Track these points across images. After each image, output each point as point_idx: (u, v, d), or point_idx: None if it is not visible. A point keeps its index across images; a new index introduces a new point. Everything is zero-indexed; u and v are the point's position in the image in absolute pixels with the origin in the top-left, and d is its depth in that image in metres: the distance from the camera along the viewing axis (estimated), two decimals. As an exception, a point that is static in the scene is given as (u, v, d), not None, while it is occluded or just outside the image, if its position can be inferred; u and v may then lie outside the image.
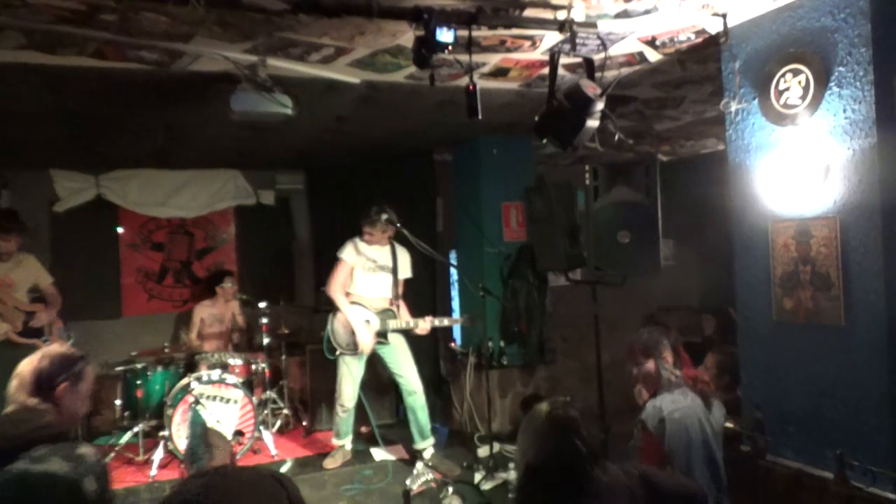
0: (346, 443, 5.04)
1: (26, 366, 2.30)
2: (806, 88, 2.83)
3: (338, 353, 4.80)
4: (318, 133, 5.18)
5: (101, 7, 2.62)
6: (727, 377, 3.59)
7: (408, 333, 4.92)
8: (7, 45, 2.96)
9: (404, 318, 4.88)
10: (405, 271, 4.97)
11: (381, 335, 4.80)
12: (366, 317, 4.79)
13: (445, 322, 4.98)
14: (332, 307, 4.86)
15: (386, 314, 4.85)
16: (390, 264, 4.91)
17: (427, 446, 4.86)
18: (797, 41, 2.89)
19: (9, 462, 1.87)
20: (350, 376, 4.86)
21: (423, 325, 4.84)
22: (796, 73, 2.87)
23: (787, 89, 2.91)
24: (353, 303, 4.78)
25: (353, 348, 4.75)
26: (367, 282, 4.86)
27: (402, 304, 4.96)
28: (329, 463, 4.90)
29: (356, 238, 4.87)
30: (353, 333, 4.73)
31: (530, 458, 2.00)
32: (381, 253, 4.89)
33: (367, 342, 4.72)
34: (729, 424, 3.12)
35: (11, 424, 2.22)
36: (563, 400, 2.17)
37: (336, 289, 4.78)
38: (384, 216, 4.71)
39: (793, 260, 2.92)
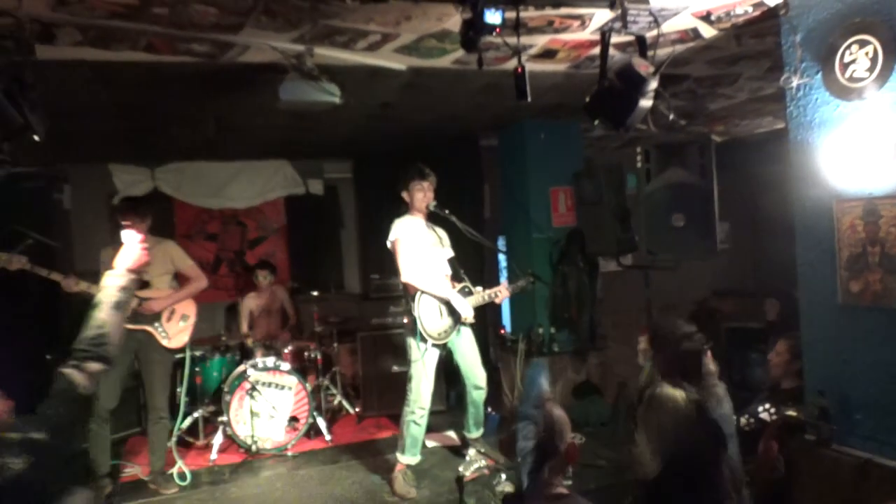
0: (413, 461, 4.42)
1: None
2: (874, 60, 2.68)
3: (429, 344, 4.27)
4: (365, 120, 5.19)
5: (152, 1, 2.66)
6: (799, 363, 3.45)
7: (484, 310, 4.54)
8: (64, 42, 3.04)
9: (478, 292, 4.52)
10: (448, 248, 4.60)
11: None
12: (450, 294, 4.36)
13: (520, 284, 4.65)
14: (404, 296, 4.52)
15: (463, 291, 4.46)
16: (436, 240, 4.54)
17: (479, 436, 4.81)
18: (863, 9, 2.74)
19: None
20: (426, 376, 4.32)
21: (503, 293, 4.55)
22: (863, 44, 2.72)
23: (854, 62, 2.76)
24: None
25: (449, 331, 4.36)
26: (430, 260, 4.43)
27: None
28: (399, 487, 4.29)
29: (403, 216, 4.49)
30: (445, 315, 4.34)
31: (669, 448, 1.88)
32: (427, 229, 4.52)
33: (470, 311, 4.37)
34: (792, 413, 3.01)
35: None
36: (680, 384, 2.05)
37: (410, 271, 4.29)
38: (426, 169, 4.41)
39: (860, 241, 2.79)
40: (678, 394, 1.95)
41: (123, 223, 4.35)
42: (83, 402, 1.99)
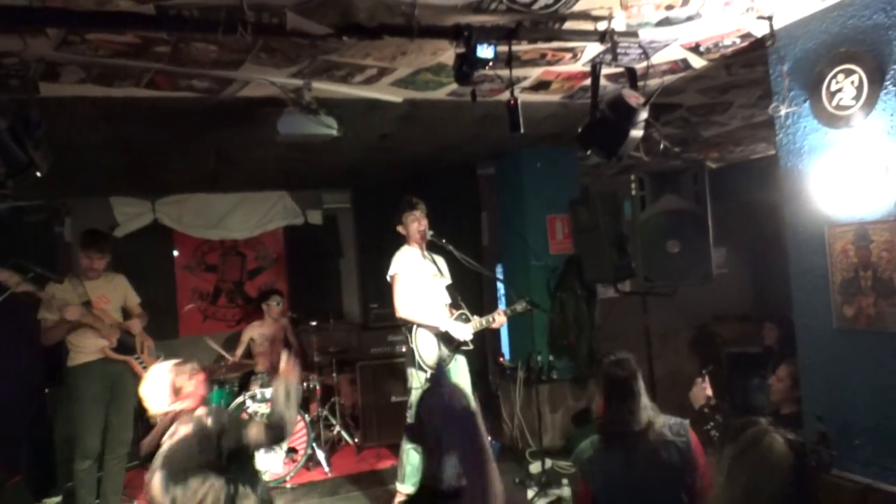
0: (413, 490, 4.27)
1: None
2: (860, 88, 2.74)
3: (428, 373, 4.28)
4: (363, 152, 5.26)
5: (154, 40, 2.73)
6: (799, 391, 3.45)
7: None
8: (67, 80, 3.11)
9: (475, 319, 4.51)
10: (447, 276, 4.59)
11: (463, 343, 4.44)
12: (446, 323, 4.41)
13: (517, 308, 4.61)
14: (403, 326, 4.51)
15: (461, 318, 4.48)
16: (435, 270, 4.54)
17: None
18: (848, 40, 2.81)
19: None
20: None
21: (500, 319, 4.54)
22: (849, 73, 2.78)
23: (840, 90, 2.82)
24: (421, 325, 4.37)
25: (447, 360, 4.37)
26: (430, 290, 4.47)
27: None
28: None
29: (402, 248, 4.52)
30: (442, 345, 4.37)
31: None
32: (426, 259, 4.55)
33: (468, 334, 4.39)
34: (790, 437, 3.00)
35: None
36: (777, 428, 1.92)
37: (405, 306, 4.35)
38: (414, 199, 4.48)
39: (852, 266, 2.82)
40: (787, 452, 1.82)
41: (85, 256, 4.53)
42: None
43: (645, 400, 2.57)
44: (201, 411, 2.82)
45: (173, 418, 2.82)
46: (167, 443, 2.71)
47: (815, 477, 1.78)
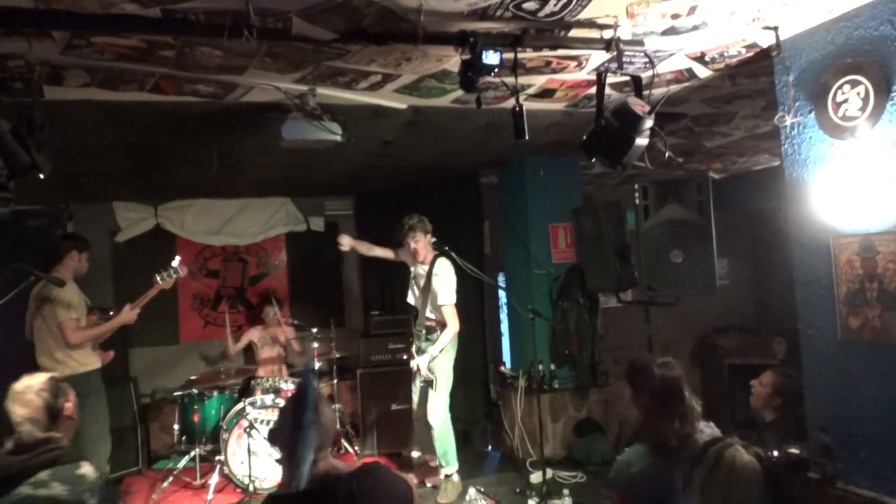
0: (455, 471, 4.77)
1: (33, 399, 2.37)
2: (865, 99, 2.73)
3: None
4: (366, 158, 5.26)
5: (159, 44, 2.73)
6: (779, 399, 3.44)
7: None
8: (72, 84, 3.11)
9: (432, 348, 4.66)
10: (437, 298, 4.72)
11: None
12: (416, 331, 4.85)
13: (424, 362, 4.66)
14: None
15: (420, 337, 4.82)
16: (425, 284, 4.80)
17: (451, 472, 4.74)
18: (854, 51, 2.80)
19: (11, 489, 2.07)
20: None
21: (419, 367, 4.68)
22: (854, 84, 2.77)
23: (846, 101, 2.81)
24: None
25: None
26: (413, 296, 4.96)
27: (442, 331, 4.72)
28: (442, 498, 4.65)
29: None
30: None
31: None
32: (423, 271, 4.83)
33: (415, 362, 4.69)
34: (795, 450, 2.98)
35: (16, 453, 2.28)
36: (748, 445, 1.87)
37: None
38: (406, 224, 4.74)
39: (858, 277, 2.80)
40: (753, 462, 1.77)
41: (83, 259, 4.54)
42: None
43: (695, 405, 2.34)
44: (84, 470, 2.28)
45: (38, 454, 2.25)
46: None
47: (792, 484, 1.75)
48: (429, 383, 4.61)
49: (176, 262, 4.65)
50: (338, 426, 1.88)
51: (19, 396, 2.37)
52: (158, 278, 4.58)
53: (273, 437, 2.15)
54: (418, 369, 4.64)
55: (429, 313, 4.81)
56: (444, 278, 4.72)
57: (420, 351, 4.75)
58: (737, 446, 1.85)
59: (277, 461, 2.12)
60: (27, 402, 2.35)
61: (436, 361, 4.64)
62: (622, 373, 2.67)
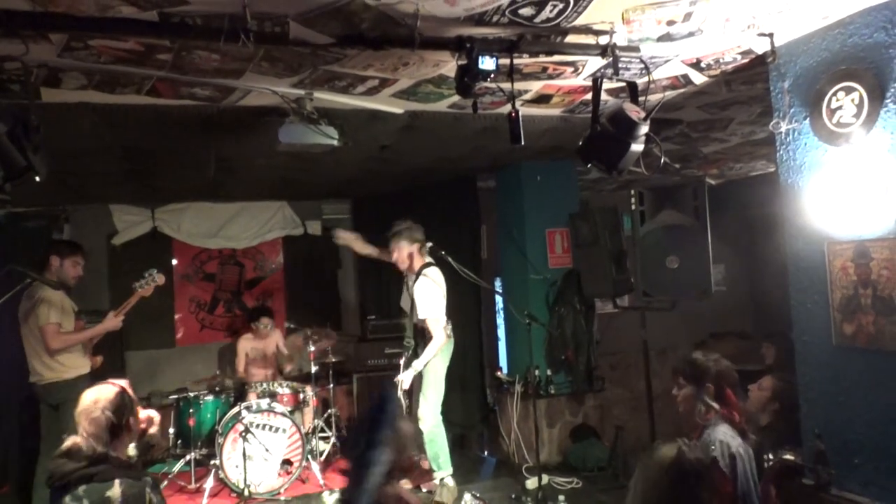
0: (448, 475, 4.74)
1: (98, 418, 2.40)
2: (860, 106, 2.74)
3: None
4: (363, 162, 5.26)
5: (157, 47, 2.73)
6: (777, 404, 3.45)
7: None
8: (69, 87, 3.11)
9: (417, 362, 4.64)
10: (417, 310, 4.71)
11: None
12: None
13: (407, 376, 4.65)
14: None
15: (408, 345, 4.85)
16: (410, 294, 4.78)
17: (444, 476, 4.74)
18: (849, 58, 2.82)
19: (63, 494, 2.21)
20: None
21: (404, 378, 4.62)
22: (849, 90, 2.78)
23: (840, 107, 2.82)
24: None
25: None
26: (405, 302, 4.94)
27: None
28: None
29: None
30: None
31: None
32: (411, 280, 4.79)
33: (400, 377, 4.60)
34: (789, 456, 2.98)
35: (71, 457, 2.36)
36: (688, 443, 1.93)
37: None
38: (389, 234, 4.78)
39: (852, 283, 2.81)
40: (667, 452, 1.85)
41: (76, 263, 4.50)
42: None
43: None
44: (113, 492, 2.34)
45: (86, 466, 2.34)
46: None
47: (787, 490, 1.82)
48: (407, 395, 4.61)
49: (153, 270, 4.65)
50: (415, 453, 1.74)
51: (87, 412, 2.42)
52: (136, 286, 4.57)
53: (344, 448, 2.06)
54: (401, 384, 4.57)
55: (416, 322, 4.80)
56: (426, 291, 4.64)
57: (408, 365, 4.70)
58: (665, 444, 1.96)
59: (343, 472, 1.91)
60: (93, 420, 2.40)
61: (427, 365, 4.62)
62: (672, 372, 2.84)
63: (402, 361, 4.81)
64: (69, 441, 2.41)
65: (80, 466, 2.33)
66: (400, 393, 4.69)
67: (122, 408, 2.47)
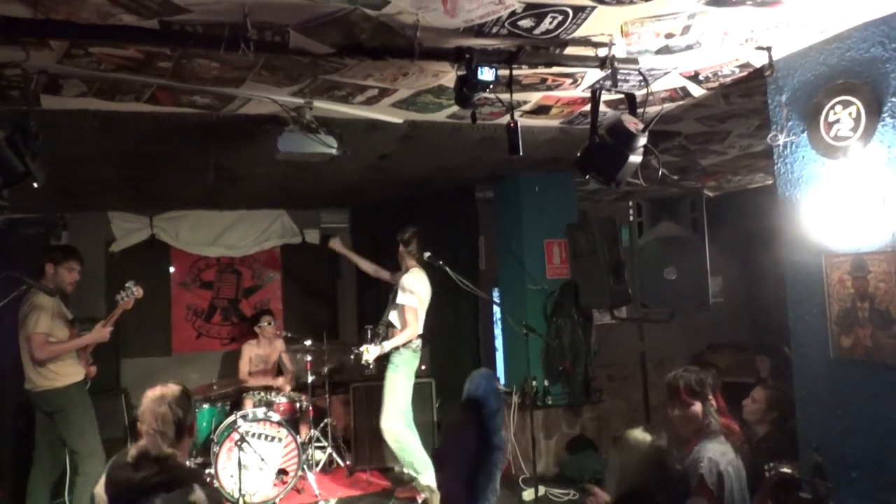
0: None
1: (166, 413, 2.30)
2: (857, 120, 2.76)
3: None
4: (362, 171, 5.27)
5: (157, 55, 2.74)
6: (775, 413, 3.46)
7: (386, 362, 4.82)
8: (69, 93, 3.12)
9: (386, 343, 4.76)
10: (397, 298, 4.82)
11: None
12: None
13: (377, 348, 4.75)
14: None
15: (380, 332, 4.86)
16: (395, 286, 4.90)
17: (426, 481, 4.66)
18: (846, 72, 2.83)
19: None
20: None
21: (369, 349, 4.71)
22: (846, 104, 2.80)
23: (838, 121, 2.83)
24: None
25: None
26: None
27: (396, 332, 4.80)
28: None
29: None
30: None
31: (627, 486, 1.92)
32: (398, 277, 4.93)
33: (365, 347, 4.71)
34: (787, 469, 2.97)
35: (137, 466, 2.23)
36: (653, 429, 2.09)
37: None
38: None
39: (850, 296, 2.81)
40: (644, 438, 1.99)
41: (72, 269, 4.48)
42: None
43: None
44: (196, 497, 2.22)
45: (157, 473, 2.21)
46: None
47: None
48: (360, 361, 4.65)
49: (130, 283, 4.60)
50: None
51: (153, 406, 2.31)
52: (118, 298, 4.54)
53: (441, 460, 1.72)
54: (363, 354, 4.62)
55: (391, 318, 4.87)
56: (410, 282, 4.77)
57: (372, 341, 4.76)
58: (634, 428, 2.16)
59: (440, 488, 1.61)
60: (160, 415, 2.29)
61: (388, 376, 4.71)
62: (668, 392, 2.86)
63: (368, 336, 4.85)
64: (134, 449, 2.26)
65: (153, 473, 2.17)
66: (364, 361, 4.71)
67: (187, 405, 2.39)
